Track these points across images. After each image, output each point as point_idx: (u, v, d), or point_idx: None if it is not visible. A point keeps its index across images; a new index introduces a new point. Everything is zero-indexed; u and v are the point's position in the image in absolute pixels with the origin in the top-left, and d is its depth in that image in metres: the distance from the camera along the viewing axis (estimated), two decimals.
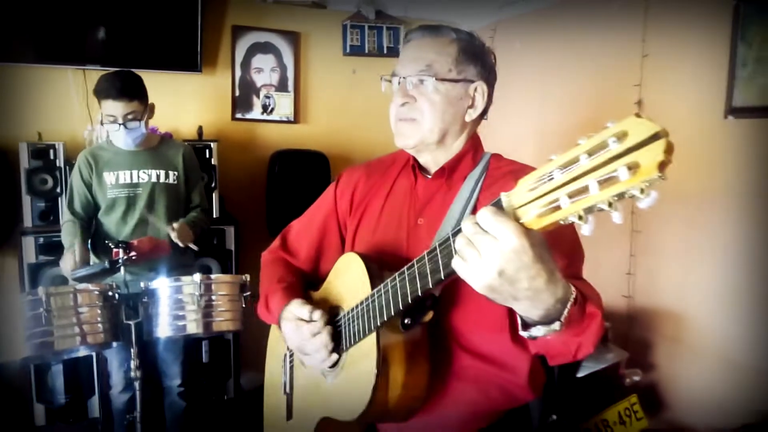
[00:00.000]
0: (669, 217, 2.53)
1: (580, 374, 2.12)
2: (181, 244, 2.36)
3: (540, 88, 3.32)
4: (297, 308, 1.19)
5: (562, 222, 0.72)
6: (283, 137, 3.64)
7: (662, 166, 0.62)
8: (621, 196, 0.65)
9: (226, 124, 3.56)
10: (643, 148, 0.63)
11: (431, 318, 1.06)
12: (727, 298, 2.30)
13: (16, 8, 2.92)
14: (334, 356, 1.16)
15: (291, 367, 1.34)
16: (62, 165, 2.93)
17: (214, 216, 3.21)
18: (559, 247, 0.94)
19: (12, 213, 2.97)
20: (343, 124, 3.77)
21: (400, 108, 1.21)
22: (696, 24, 2.39)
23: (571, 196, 0.69)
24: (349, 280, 1.19)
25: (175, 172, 2.58)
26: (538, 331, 0.86)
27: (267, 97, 3.65)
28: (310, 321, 1.17)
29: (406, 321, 1.04)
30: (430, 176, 1.25)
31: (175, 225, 2.38)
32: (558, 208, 0.70)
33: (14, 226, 2.97)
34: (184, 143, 2.84)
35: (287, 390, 1.34)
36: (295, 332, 1.19)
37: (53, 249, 2.88)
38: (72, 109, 3.16)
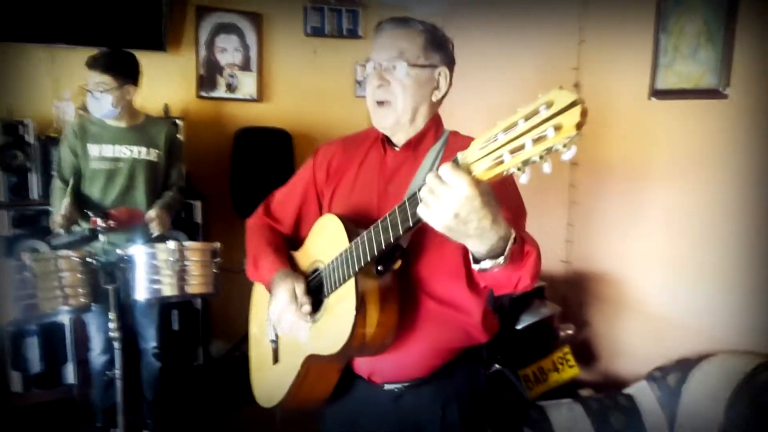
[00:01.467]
0: (604, 188, 2.81)
1: (518, 326, 2.38)
2: (156, 232, 2.51)
3: (491, 71, 3.54)
4: (299, 288, 1.35)
5: (505, 173, 0.91)
6: (247, 115, 3.79)
7: (579, 125, 0.82)
8: (549, 150, 0.85)
9: (191, 102, 3.69)
10: (565, 113, 0.83)
11: (399, 266, 1.26)
12: (652, 262, 2.60)
13: None
14: (304, 335, 1.35)
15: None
16: (33, 140, 3.03)
17: None
18: (505, 204, 1.16)
19: None
20: (305, 103, 3.94)
21: (376, 90, 1.35)
22: (627, 14, 2.65)
23: (511, 152, 0.88)
24: (327, 237, 1.36)
25: (157, 150, 2.72)
26: (486, 264, 1.06)
27: (231, 76, 3.78)
28: (301, 306, 1.33)
29: (379, 268, 1.23)
30: (397, 149, 1.42)
31: (153, 213, 2.53)
32: (502, 162, 0.90)
33: None
34: (167, 122, 2.97)
35: (273, 337, 1.51)
36: (285, 303, 1.34)
37: (26, 222, 3.00)
38: (41, 86, 3.24)
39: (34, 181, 3.04)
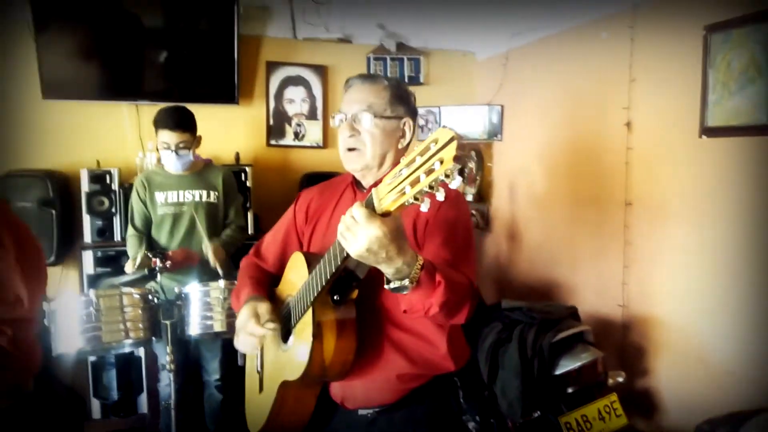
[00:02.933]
0: (659, 228, 2.71)
1: (557, 372, 2.32)
2: (211, 264, 2.71)
3: (543, 110, 3.55)
4: (262, 307, 1.48)
5: (407, 203, 1.03)
6: (312, 161, 4.00)
7: (456, 158, 0.94)
8: (437, 180, 0.97)
9: (261, 149, 3.95)
10: (446, 147, 0.96)
11: (356, 296, 1.36)
12: (711, 307, 2.46)
13: (79, 54, 3.40)
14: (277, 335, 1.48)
15: (262, 350, 1.63)
16: (117, 188, 3.35)
17: (250, 233, 3.56)
18: (450, 246, 1.36)
19: (74, 230, 3.41)
20: None
21: (348, 139, 1.49)
22: (675, 51, 2.60)
23: (411, 184, 1.01)
24: (295, 272, 1.50)
25: (216, 192, 2.96)
26: (394, 284, 1.18)
27: (298, 125, 4.02)
28: (264, 323, 1.45)
29: (335, 297, 1.34)
30: (365, 189, 1.54)
31: (211, 246, 2.72)
32: (404, 193, 1.02)
33: (75, 242, 3.40)
34: (224, 167, 3.23)
35: (259, 368, 1.63)
36: (244, 321, 1.48)
37: (109, 261, 3.29)
38: (125, 139, 3.60)
39: (117, 225, 3.36)
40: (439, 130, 0.98)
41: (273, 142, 3.98)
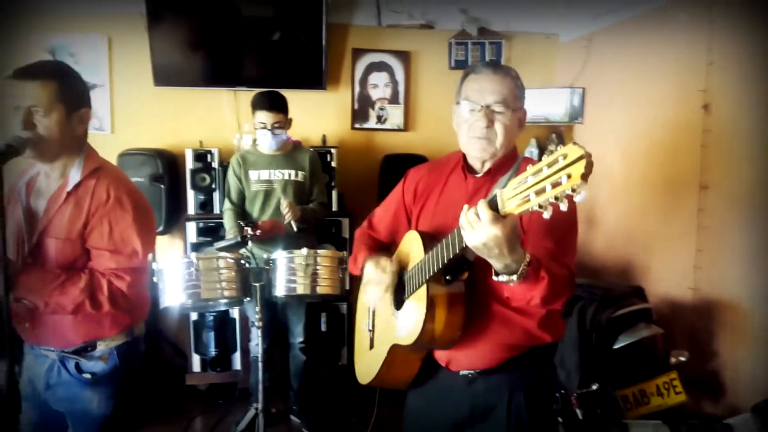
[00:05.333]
0: (735, 212, 2.68)
1: (615, 346, 2.39)
2: (286, 218, 2.98)
3: (624, 93, 3.53)
4: (383, 259, 1.66)
5: (530, 210, 1.12)
6: (393, 143, 4.20)
7: (584, 176, 1.00)
8: (562, 193, 1.03)
9: (346, 132, 4.19)
10: (575, 164, 1.02)
11: (467, 277, 1.50)
12: None
13: (187, 45, 3.77)
14: (391, 300, 1.64)
15: (374, 312, 1.82)
16: (217, 166, 3.71)
17: (333, 210, 3.83)
18: (553, 237, 1.45)
19: (180, 203, 3.81)
20: (447, 131, 4.16)
21: (483, 129, 1.53)
22: (755, 34, 2.54)
23: (536, 193, 1.08)
24: (411, 249, 1.64)
25: (303, 172, 3.24)
26: (502, 278, 1.31)
27: (381, 109, 4.23)
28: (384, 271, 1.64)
29: (447, 277, 1.49)
30: (479, 175, 1.63)
31: (285, 200, 3.01)
32: (528, 200, 1.11)
33: (181, 214, 3.80)
34: (311, 149, 3.50)
35: (370, 327, 1.82)
36: (372, 270, 1.65)
37: (209, 231, 3.66)
38: (225, 121, 3.97)
39: (216, 199, 3.72)
40: (570, 145, 1.04)
41: (357, 125, 4.21)
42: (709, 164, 2.82)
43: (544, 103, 4.24)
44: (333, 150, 3.87)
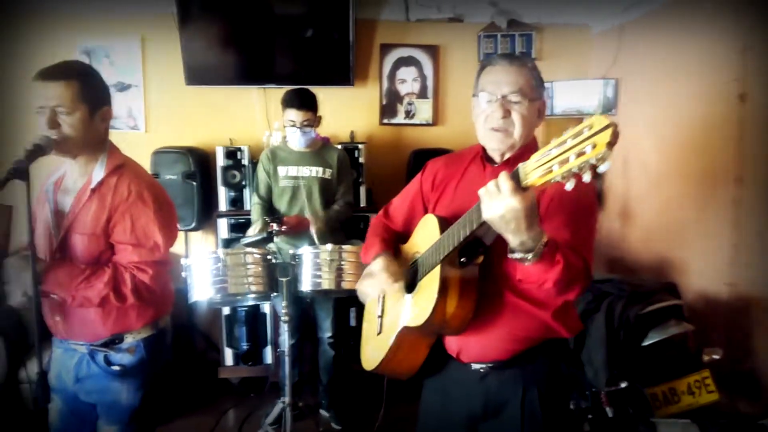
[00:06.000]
0: None
1: (644, 343, 2.32)
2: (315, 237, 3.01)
3: (657, 83, 3.44)
4: (393, 265, 1.65)
5: (552, 180, 1.11)
6: (422, 138, 4.18)
7: (610, 144, 1.00)
8: (587, 162, 1.03)
9: (374, 128, 4.20)
10: (601, 133, 1.02)
11: (482, 261, 1.48)
12: None
13: (217, 44, 3.84)
14: (402, 284, 1.64)
15: (383, 298, 1.82)
16: (247, 163, 3.76)
17: (362, 205, 3.84)
18: (571, 227, 1.43)
19: (211, 200, 3.87)
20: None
21: (500, 120, 1.52)
22: None
23: (560, 163, 1.08)
24: (426, 232, 1.63)
25: (331, 169, 3.26)
26: (517, 255, 1.29)
27: (409, 104, 4.21)
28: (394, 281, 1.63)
29: (462, 260, 1.48)
30: (497, 164, 1.61)
31: (315, 226, 3.02)
32: (551, 171, 1.10)
33: (212, 210, 3.87)
34: (339, 147, 3.52)
35: (380, 313, 1.81)
36: (379, 269, 1.65)
37: (240, 227, 3.70)
38: (254, 119, 4.02)
39: (246, 196, 3.77)
40: (595, 116, 1.04)
41: (385, 120, 4.21)
42: (744, 156, 2.72)
43: (576, 96, 4.16)
44: (361, 146, 3.88)
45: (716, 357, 2.40)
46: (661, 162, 3.44)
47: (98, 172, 1.79)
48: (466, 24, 4.18)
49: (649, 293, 2.43)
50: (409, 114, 4.22)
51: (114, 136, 1.90)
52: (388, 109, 4.20)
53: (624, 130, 3.61)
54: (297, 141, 3.16)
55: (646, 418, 2.11)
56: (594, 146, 1.01)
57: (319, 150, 3.28)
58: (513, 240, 1.26)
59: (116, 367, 1.83)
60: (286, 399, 2.84)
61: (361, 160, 3.86)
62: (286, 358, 2.83)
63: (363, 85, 4.15)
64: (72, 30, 3.84)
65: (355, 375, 3.78)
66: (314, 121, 3.15)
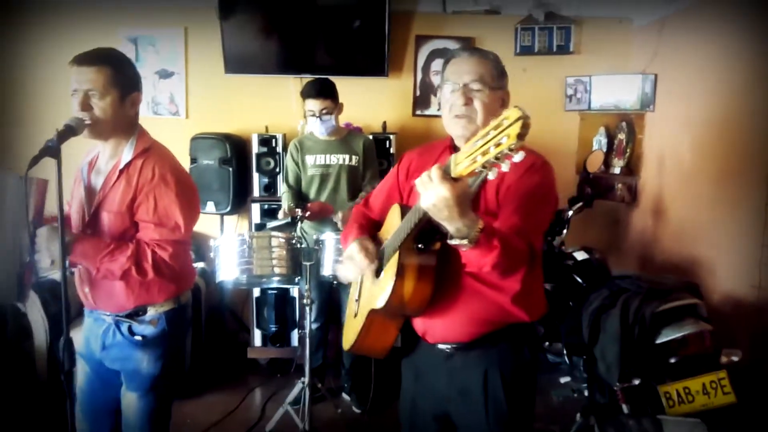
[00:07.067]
0: None
1: (658, 341, 2.30)
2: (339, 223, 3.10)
3: (696, 79, 3.36)
4: (370, 245, 1.73)
5: (477, 170, 1.19)
6: None
7: (520, 135, 1.09)
8: (502, 153, 1.12)
9: (407, 119, 4.24)
10: (513, 125, 1.10)
11: (439, 247, 1.55)
12: None
13: (256, 34, 3.95)
14: (372, 269, 1.70)
15: (361, 283, 1.90)
16: (281, 151, 3.87)
17: None
18: (522, 214, 1.51)
19: (246, 185, 4.00)
20: None
21: (462, 107, 1.59)
22: None
23: (482, 154, 1.16)
24: (393, 221, 1.73)
25: (357, 157, 3.33)
26: (454, 240, 1.36)
27: None
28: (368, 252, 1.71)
29: (419, 246, 1.56)
30: None
31: (340, 215, 3.10)
32: (475, 161, 1.18)
33: (247, 195, 3.99)
34: (365, 134, 3.58)
35: (357, 297, 1.91)
36: (356, 251, 1.72)
37: (273, 213, 3.81)
38: (290, 108, 4.11)
39: (279, 182, 3.88)
40: (511, 109, 1.11)
41: (418, 112, 4.24)
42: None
43: (614, 91, 4.11)
44: (391, 136, 3.93)
45: (735, 359, 2.35)
46: (695, 160, 3.37)
47: (127, 155, 1.90)
48: (504, 16, 4.17)
49: (667, 291, 2.40)
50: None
51: (156, 122, 2.03)
52: (421, 101, 4.24)
53: (660, 126, 3.60)
54: (318, 129, 3.24)
55: (653, 415, 2.10)
56: (508, 137, 1.09)
57: (345, 138, 3.34)
58: (449, 227, 1.34)
59: (139, 337, 1.94)
60: (306, 379, 2.93)
61: (392, 150, 3.91)
62: (307, 340, 2.92)
63: (397, 76, 4.20)
64: (119, 19, 4.03)
65: (379, 360, 3.85)
66: (333, 108, 3.19)
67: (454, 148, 1.71)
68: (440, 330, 1.66)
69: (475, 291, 1.60)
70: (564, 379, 2.86)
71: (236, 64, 3.99)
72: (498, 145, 1.12)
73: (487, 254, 1.38)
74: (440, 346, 1.68)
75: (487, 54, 1.66)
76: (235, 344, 4.12)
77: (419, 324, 1.71)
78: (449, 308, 1.62)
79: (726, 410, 2.28)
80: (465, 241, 1.34)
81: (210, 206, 3.84)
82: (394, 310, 1.62)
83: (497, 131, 1.13)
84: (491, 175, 1.19)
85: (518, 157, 1.12)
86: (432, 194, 1.27)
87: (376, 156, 3.50)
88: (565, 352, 2.75)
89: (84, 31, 3.91)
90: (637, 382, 2.35)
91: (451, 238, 1.37)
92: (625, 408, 2.45)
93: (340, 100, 3.27)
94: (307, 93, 3.17)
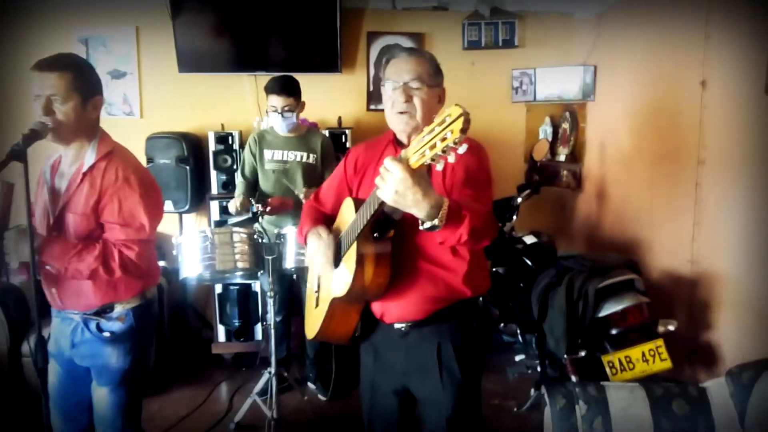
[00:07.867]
0: (729, 185, 2.73)
1: (601, 314, 2.49)
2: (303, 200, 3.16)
3: (631, 70, 3.58)
4: (323, 231, 1.85)
5: (425, 163, 1.31)
6: None
7: (462, 130, 1.21)
8: (447, 147, 1.24)
9: (362, 114, 4.34)
10: (456, 121, 1.23)
11: (392, 234, 1.68)
12: None
13: (208, 32, 3.98)
14: (330, 261, 1.80)
15: (319, 276, 1.99)
16: (237, 148, 3.91)
17: None
18: (471, 184, 1.64)
19: (204, 183, 4.03)
20: None
21: (403, 104, 1.71)
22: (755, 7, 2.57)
23: (430, 148, 1.29)
24: (346, 214, 1.84)
25: (315, 155, 3.41)
26: (426, 225, 1.43)
27: None
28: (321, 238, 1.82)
29: (375, 235, 1.67)
30: (405, 146, 1.75)
31: (305, 189, 3.19)
32: (424, 155, 1.31)
33: (205, 193, 4.03)
34: (323, 133, 3.67)
35: (317, 289, 2.01)
36: (315, 243, 1.84)
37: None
38: (245, 105, 4.16)
39: (238, 179, 3.92)
40: (453, 106, 1.23)
41: (372, 106, 4.35)
42: (706, 139, 2.87)
43: (558, 82, 4.30)
44: (347, 131, 4.03)
45: (671, 328, 2.56)
46: (633, 146, 3.59)
47: (89, 158, 1.94)
48: (451, 12, 4.31)
49: (608, 268, 2.59)
50: None
51: (110, 122, 2.07)
52: (374, 96, 4.34)
53: (601, 115, 3.80)
54: (279, 126, 3.31)
55: (597, 382, 2.27)
56: (452, 132, 1.21)
57: (304, 135, 3.42)
58: (418, 213, 1.40)
59: (107, 334, 2.00)
60: (272, 369, 3.02)
61: (348, 145, 4.01)
62: (271, 331, 3.01)
63: (351, 72, 4.29)
64: (70, 20, 3.99)
65: (340, 348, 3.97)
66: (295, 106, 3.27)
67: (397, 142, 1.84)
68: (396, 310, 1.78)
69: (429, 273, 1.74)
70: (518, 357, 3.03)
71: (189, 62, 4.01)
72: (444, 139, 1.24)
73: (460, 225, 1.48)
74: (397, 325, 1.80)
75: (424, 54, 1.80)
76: (198, 341, 4.16)
77: (377, 307, 1.83)
78: (405, 290, 1.74)
79: (664, 375, 2.48)
80: (436, 222, 1.42)
81: (168, 205, 3.86)
82: (355, 296, 1.73)
83: (442, 127, 1.25)
84: (439, 167, 1.32)
85: (462, 149, 1.25)
86: (392, 182, 1.35)
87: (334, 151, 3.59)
88: (518, 330, 2.91)
89: (32, 32, 3.87)
90: (583, 353, 2.53)
91: (422, 224, 1.45)
92: (573, 378, 2.63)
93: None
94: (270, 89, 3.23)
